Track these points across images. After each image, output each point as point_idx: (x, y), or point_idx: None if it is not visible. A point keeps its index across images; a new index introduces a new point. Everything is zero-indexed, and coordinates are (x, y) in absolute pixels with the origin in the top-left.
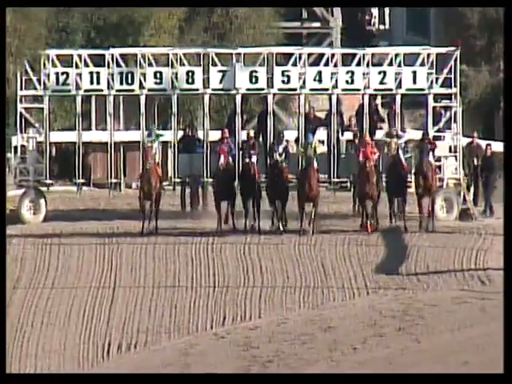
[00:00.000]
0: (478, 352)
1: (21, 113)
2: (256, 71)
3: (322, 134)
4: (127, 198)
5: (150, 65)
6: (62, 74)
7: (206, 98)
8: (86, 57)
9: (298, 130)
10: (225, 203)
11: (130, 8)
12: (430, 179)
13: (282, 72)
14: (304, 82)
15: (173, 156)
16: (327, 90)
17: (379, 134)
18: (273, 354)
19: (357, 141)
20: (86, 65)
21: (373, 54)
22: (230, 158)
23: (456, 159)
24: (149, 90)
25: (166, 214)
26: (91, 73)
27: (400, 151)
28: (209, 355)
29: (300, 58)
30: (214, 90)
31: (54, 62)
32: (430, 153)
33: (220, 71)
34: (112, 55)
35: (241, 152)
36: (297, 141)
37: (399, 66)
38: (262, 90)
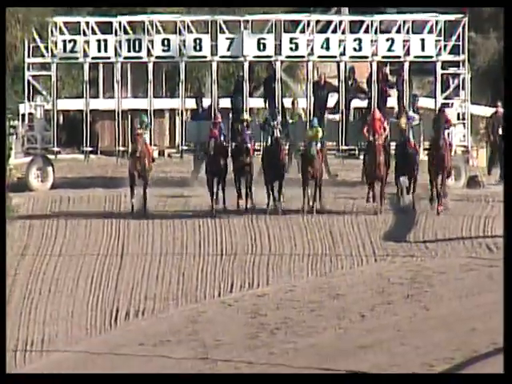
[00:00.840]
0: (485, 319)
1: (28, 80)
2: (264, 38)
3: (332, 100)
4: None
5: (158, 32)
6: (70, 41)
7: (214, 65)
8: (94, 24)
9: (307, 97)
10: (216, 183)
11: None
12: (445, 159)
13: (290, 39)
14: (312, 50)
15: (180, 123)
16: (335, 57)
17: (390, 102)
18: (280, 322)
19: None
20: (94, 32)
21: (381, 21)
22: (222, 138)
23: (464, 126)
24: (156, 57)
25: (175, 181)
26: (99, 40)
27: (410, 131)
28: (216, 322)
29: (308, 25)
30: (221, 57)
31: (61, 29)
32: (446, 130)
33: (228, 38)
34: (119, 22)
35: (236, 131)
36: (293, 103)
37: (407, 33)
38: (270, 57)
